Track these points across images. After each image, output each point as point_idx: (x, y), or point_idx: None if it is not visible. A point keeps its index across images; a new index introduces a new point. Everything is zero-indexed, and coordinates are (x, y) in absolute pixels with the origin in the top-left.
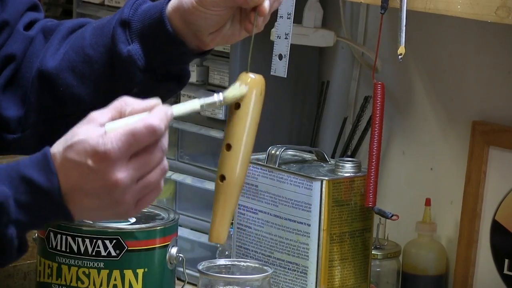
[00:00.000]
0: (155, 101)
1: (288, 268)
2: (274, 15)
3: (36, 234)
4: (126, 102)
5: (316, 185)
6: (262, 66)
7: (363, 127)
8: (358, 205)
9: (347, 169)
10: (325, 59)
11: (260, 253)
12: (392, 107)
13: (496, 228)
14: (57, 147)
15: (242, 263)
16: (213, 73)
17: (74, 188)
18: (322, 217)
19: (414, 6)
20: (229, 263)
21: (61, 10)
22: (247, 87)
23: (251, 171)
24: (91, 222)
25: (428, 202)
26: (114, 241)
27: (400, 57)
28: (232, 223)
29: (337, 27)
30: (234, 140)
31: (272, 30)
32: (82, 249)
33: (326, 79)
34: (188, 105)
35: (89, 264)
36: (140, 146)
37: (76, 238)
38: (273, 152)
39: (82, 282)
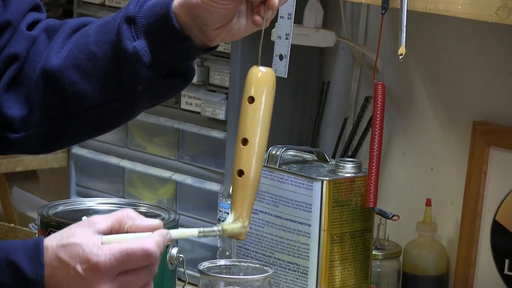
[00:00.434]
0: (156, 222)
1: (288, 269)
2: (275, 16)
3: (37, 234)
4: (128, 215)
5: (317, 185)
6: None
7: (363, 128)
8: (358, 206)
9: (348, 169)
10: (325, 59)
11: (260, 253)
12: (393, 107)
13: (497, 228)
14: (51, 241)
15: (243, 264)
16: (213, 73)
17: (55, 284)
18: (323, 217)
19: (414, 7)
20: (230, 263)
21: (62, 10)
22: (245, 225)
23: None
24: None
25: (428, 203)
26: None
27: (400, 57)
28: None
29: (338, 28)
30: (250, 134)
31: (273, 30)
32: None
33: (327, 80)
34: (187, 232)
35: None
36: (131, 266)
37: None
38: (273, 152)
39: None
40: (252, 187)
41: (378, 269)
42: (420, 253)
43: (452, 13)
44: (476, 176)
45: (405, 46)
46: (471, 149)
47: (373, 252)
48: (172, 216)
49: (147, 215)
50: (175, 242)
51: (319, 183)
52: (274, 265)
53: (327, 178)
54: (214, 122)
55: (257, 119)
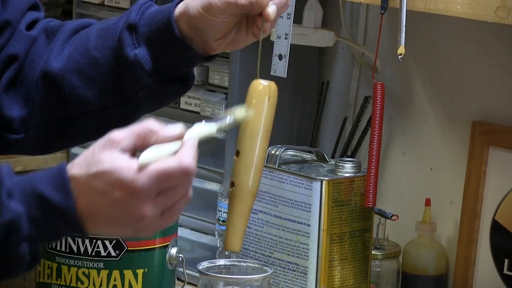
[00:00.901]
0: (179, 130)
1: (288, 269)
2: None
3: None
4: (150, 129)
5: (316, 185)
6: (262, 66)
7: (363, 127)
8: (358, 205)
9: (347, 169)
10: (325, 59)
11: (260, 253)
12: (392, 107)
13: (496, 228)
14: (78, 170)
15: (242, 263)
16: (213, 73)
17: (95, 213)
18: (322, 217)
19: (414, 6)
20: (229, 263)
21: (61, 10)
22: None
23: None
24: None
25: (428, 202)
26: (114, 241)
27: (400, 57)
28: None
29: (337, 27)
30: (242, 146)
31: (272, 30)
32: (82, 249)
33: (326, 79)
34: (207, 131)
35: (89, 265)
36: (171, 184)
37: (76, 239)
38: (273, 152)
39: (82, 283)
40: (243, 200)
41: (378, 269)
42: (419, 253)
43: (452, 13)
44: (475, 176)
45: (405, 46)
46: (470, 149)
47: (372, 252)
48: None
49: None
50: (174, 242)
51: (319, 183)
52: (274, 265)
53: (326, 178)
54: None
55: (249, 131)
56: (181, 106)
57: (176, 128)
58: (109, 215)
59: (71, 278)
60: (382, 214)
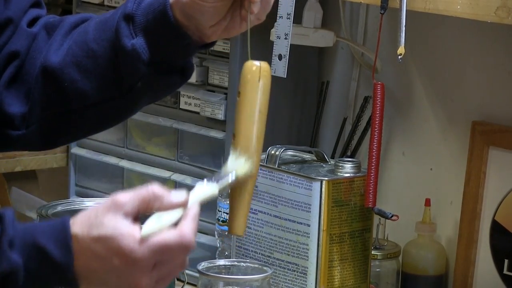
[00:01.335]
0: (183, 198)
1: (287, 269)
2: (274, 16)
3: None
4: (154, 194)
5: (316, 185)
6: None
7: (362, 127)
8: (357, 206)
9: (347, 169)
10: (324, 59)
11: (259, 253)
12: (392, 107)
13: (496, 228)
14: (80, 229)
15: (242, 264)
16: (212, 73)
17: (91, 274)
18: (322, 217)
19: (414, 6)
20: (229, 263)
21: (61, 10)
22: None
23: None
24: None
25: (427, 203)
26: None
27: (400, 57)
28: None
29: (337, 27)
30: (235, 130)
31: (272, 30)
32: None
33: (326, 79)
34: (208, 194)
35: None
36: (169, 256)
37: None
38: (272, 152)
39: None
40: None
41: (377, 269)
42: (419, 253)
43: (452, 13)
44: (475, 176)
45: (404, 46)
46: (470, 149)
47: (372, 252)
48: None
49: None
50: None
51: (318, 183)
52: (273, 265)
53: (326, 178)
54: (213, 122)
55: (241, 113)
56: (180, 106)
57: (180, 194)
58: (104, 278)
59: None
60: (382, 214)
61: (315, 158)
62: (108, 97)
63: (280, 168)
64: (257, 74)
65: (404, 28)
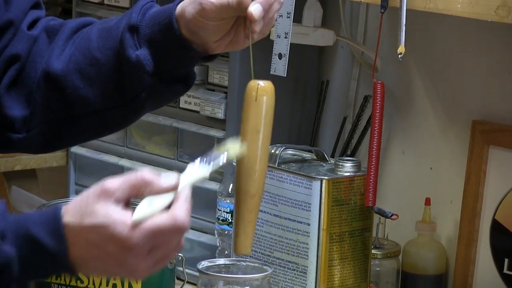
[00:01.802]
0: (174, 181)
1: (287, 268)
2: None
3: None
4: (144, 180)
5: (316, 184)
6: (262, 65)
7: (362, 127)
8: (357, 205)
9: (347, 168)
10: (325, 58)
11: (259, 252)
12: (392, 106)
13: (496, 227)
14: (72, 218)
15: (242, 263)
16: (212, 72)
17: (87, 261)
18: (322, 216)
19: (414, 5)
20: (229, 262)
21: (61, 9)
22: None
23: None
24: None
25: (428, 202)
26: None
27: (400, 56)
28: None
29: (337, 26)
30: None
31: (272, 29)
32: None
33: (326, 78)
34: (200, 175)
35: None
36: (164, 240)
37: None
38: (272, 151)
39: (82, 282)
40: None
41: (377, 268)
42: (419, 252)
43: (452, 12)
44: (475, 175)
45: (404, 45)
46: (470, 148)
47: (372, 251)
48: None
49: None
50: None
51: (318, 182)
52: (273, 264)
53: (326, 177)
54: (213, 121)
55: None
56: (180, 105)
57: (170, 178)
58: (102, 265)
59: (71, 277)
60: (382, 214)
61: (315, 157)
62: (111, 105)
63: (280, 167)
64: (254, 95)
65: (404, 27)
